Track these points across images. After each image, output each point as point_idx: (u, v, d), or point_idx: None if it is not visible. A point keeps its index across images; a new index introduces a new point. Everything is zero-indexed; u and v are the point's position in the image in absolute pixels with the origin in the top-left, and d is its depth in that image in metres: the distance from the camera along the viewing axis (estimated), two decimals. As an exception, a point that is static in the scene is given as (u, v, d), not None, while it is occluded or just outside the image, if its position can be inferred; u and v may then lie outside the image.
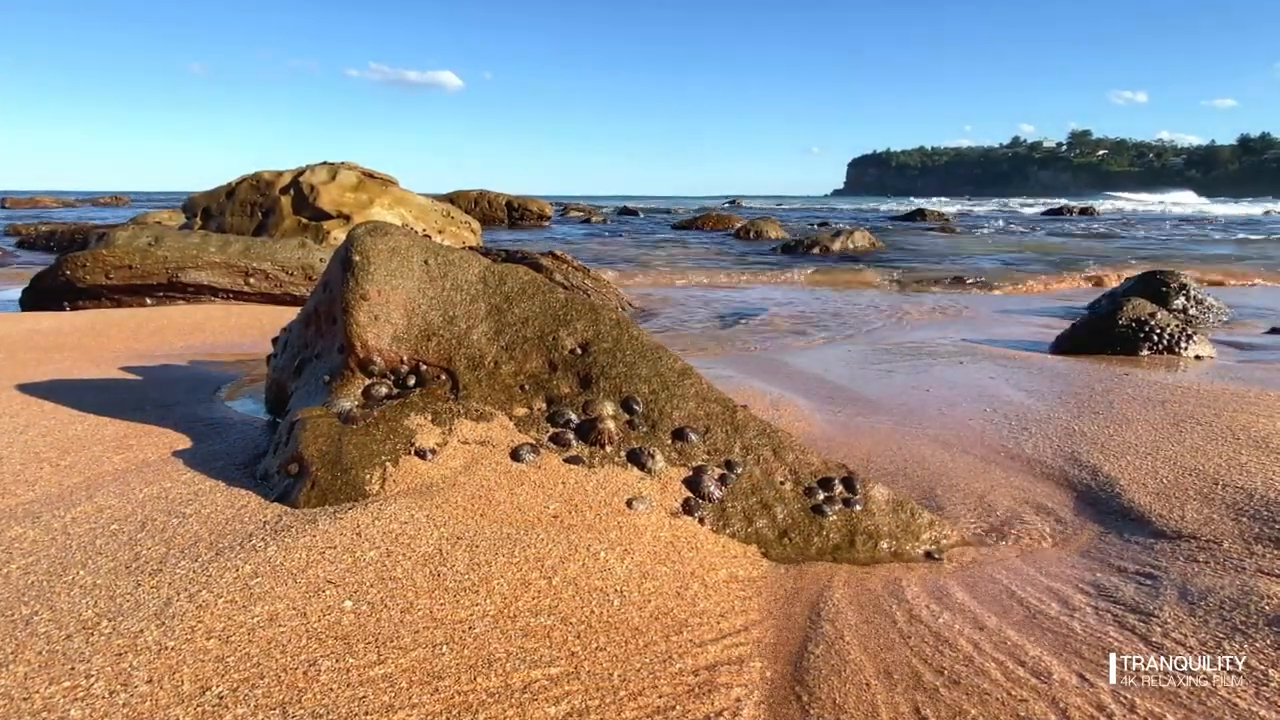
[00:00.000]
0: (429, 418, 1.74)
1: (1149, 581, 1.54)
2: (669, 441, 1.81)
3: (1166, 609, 1.41)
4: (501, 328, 1.92)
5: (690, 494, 1.72)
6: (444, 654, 1.14)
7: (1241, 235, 17.70)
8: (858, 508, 1.77)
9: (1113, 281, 8.19)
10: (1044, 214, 33.98)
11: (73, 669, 1.04)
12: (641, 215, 26.72)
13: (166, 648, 1.08)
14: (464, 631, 1.20)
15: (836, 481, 1.81)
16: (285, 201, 8.88)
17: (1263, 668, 1.21)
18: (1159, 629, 1.34)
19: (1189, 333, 4.01)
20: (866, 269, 9.63)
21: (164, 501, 1.58)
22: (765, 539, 1.69)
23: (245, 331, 4.16)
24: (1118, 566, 1.63)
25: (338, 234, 8.40)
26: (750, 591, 1.50)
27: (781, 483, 1.79)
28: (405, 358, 1.86)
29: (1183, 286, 5.60)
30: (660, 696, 1.13)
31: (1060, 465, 2.23)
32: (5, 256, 10.01)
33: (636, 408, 1.84)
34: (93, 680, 1.02)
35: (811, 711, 1.14)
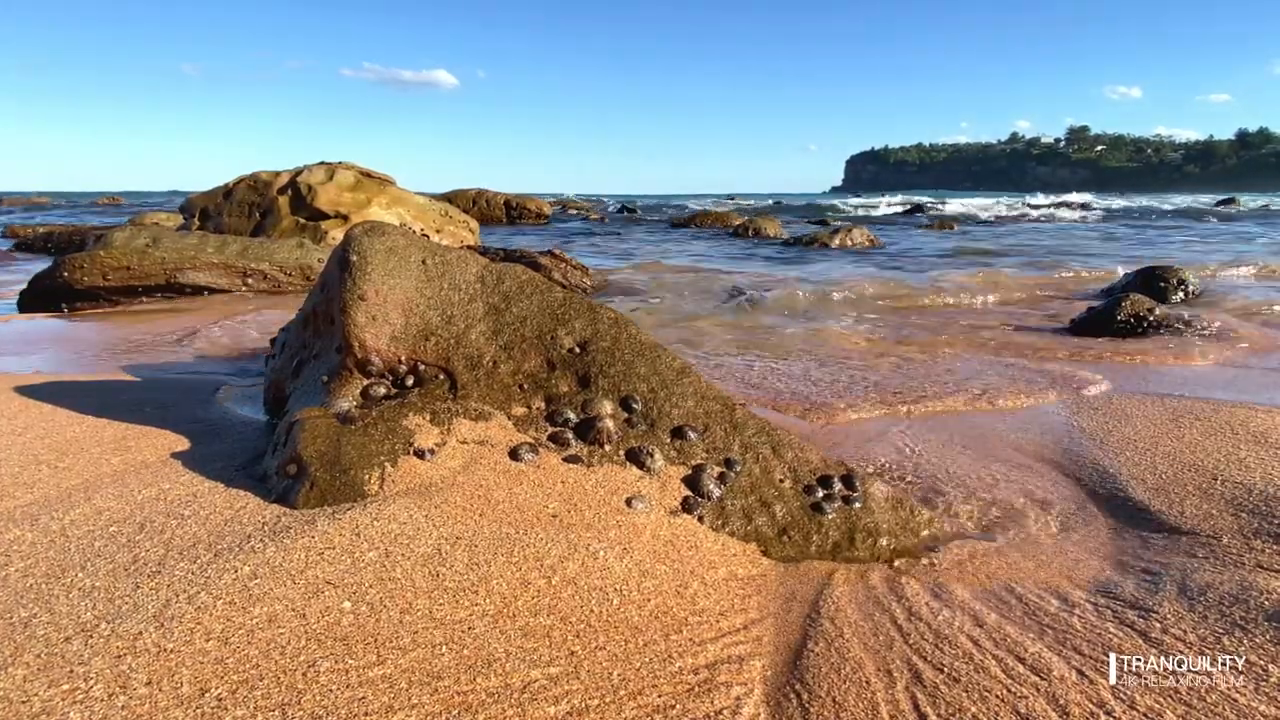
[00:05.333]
0: (427, 418, 1.74)
1: (1148, 577, 1.54)
2: (668, 440, 1.80)
3: (1166, 605, 1.41)
4: (500, 327, 1.92)
5: (689, 492, 1.72)
6: (443, 654, 1.14)
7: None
8: (857, 505, 1.77)
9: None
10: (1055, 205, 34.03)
11: (72, 671, 1.03)
12: (640, 213, 26.69)
13: (165, 650, 1.08)
14: (463, 631, 1.20)
15: (836, 479, 1.80)
16: (283, 202, 8.87)
17: (1262, 663, 1.21)
18: (1158, 625, 1.34)
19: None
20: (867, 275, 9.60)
21: (162, 503, 1.58)
22: (765, 537, 1.69)
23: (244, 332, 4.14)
24: (1117, 562, 1.63)
25: (336, 234, 8.38)
26: (750, 590, 1.50)
27: (781, 480, 1.79)
28: (403, 358, 1.86)
29: (1181, 282, 5.60)
30: (660, 695, 1.13)
31: (1059, 461, 2.23)
32: (2, 258, 9.99)
33: (635, 406, 1.84)
34: (92, 683, 1.02)
35: (811, 709, 1.14)
